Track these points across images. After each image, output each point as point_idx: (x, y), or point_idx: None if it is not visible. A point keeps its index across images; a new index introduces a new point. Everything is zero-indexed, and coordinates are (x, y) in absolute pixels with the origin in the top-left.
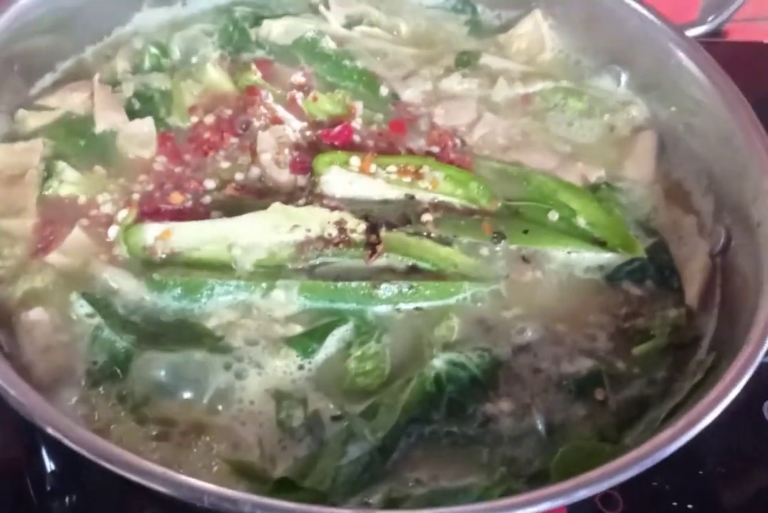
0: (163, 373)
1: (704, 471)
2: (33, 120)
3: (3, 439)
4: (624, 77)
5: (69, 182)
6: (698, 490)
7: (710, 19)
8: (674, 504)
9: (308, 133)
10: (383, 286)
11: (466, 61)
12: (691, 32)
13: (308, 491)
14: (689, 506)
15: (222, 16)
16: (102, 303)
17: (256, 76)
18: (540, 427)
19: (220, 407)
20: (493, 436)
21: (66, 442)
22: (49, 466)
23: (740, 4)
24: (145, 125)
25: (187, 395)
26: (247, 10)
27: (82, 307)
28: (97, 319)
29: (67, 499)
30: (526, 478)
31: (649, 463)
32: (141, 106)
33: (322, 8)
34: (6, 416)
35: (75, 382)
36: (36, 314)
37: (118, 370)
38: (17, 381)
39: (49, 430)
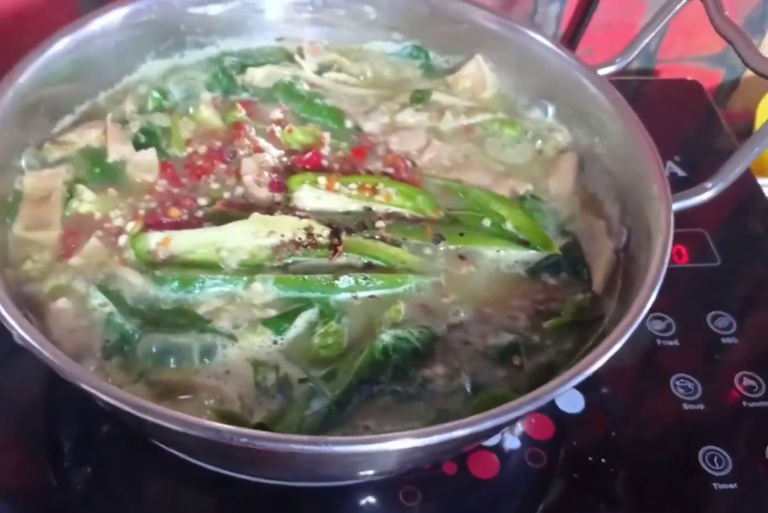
0: (163, 348)
1: (616, 432)
2: (57, 152)
3: (19, 426)
4: (550, 109)
5: (87, 202)
6: (610, 447)
7: (618, 61)
8: (590, 459)
9: (285, 159)
10: (342, 277)
11: (419, 98)
12: (603, 71)
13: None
14: (602, 460)
15: (213, 65)
16: (114, 294)
17: (241, 113)
18: (467, 386)
19: (209, 373)
20: (428, 394)
21: (96, 392)
22: (66, 445)
23: (639, 51)
24: (149, 155)
25: (183, 364)
26: (235, 59)
27: (97, 299)
28: (110, 307)
29: (84, 472)
30: None
31: (540, 402)
32: (146, 139)
33: (297, 57)
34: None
35: (93, 355)
36: (61, 303)
37: (127, 347)
38: (56, 351)
39: (84, 386)
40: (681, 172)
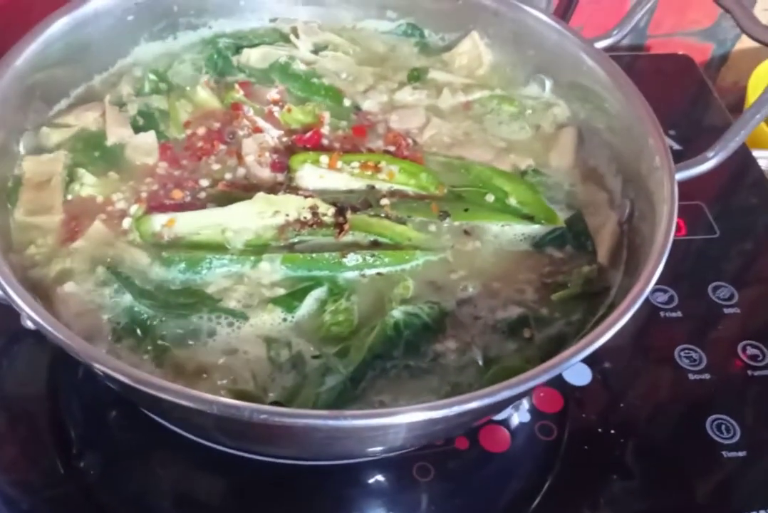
0: (174, 328)
1: (624, 404)
2: (55, 135)
3: (24, 415)
4: (548, 84)
5: (88, 185)
6: (618, 419)
7: (614, 33)
8: (599, 430)
9: (285, 139)
10: (350, 255)
11: (416, 76)
12: (600, 44)
13: None
14: (612, 431)
15: (207, 46)
16: (122, 276)
17: (238, 94)
18: (478, 359)
19: (220, 352)
20: (441, 368)
21: (107, 370)
22: (73, 432)
23: (634, 23)
24: (148, 137)
25: (194, 345)
26: (229, 41)
27: (105, 281)
28: (120, 289)
29: (92, 458)
30: None
31: (555, 371)
32: (144, 122)
33: (292, 37)
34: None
35: (103, 338)
36: (69, 287)
37: (138, 329)
38: (66, 331)
39: (96, 365)
40: (676, 146)
